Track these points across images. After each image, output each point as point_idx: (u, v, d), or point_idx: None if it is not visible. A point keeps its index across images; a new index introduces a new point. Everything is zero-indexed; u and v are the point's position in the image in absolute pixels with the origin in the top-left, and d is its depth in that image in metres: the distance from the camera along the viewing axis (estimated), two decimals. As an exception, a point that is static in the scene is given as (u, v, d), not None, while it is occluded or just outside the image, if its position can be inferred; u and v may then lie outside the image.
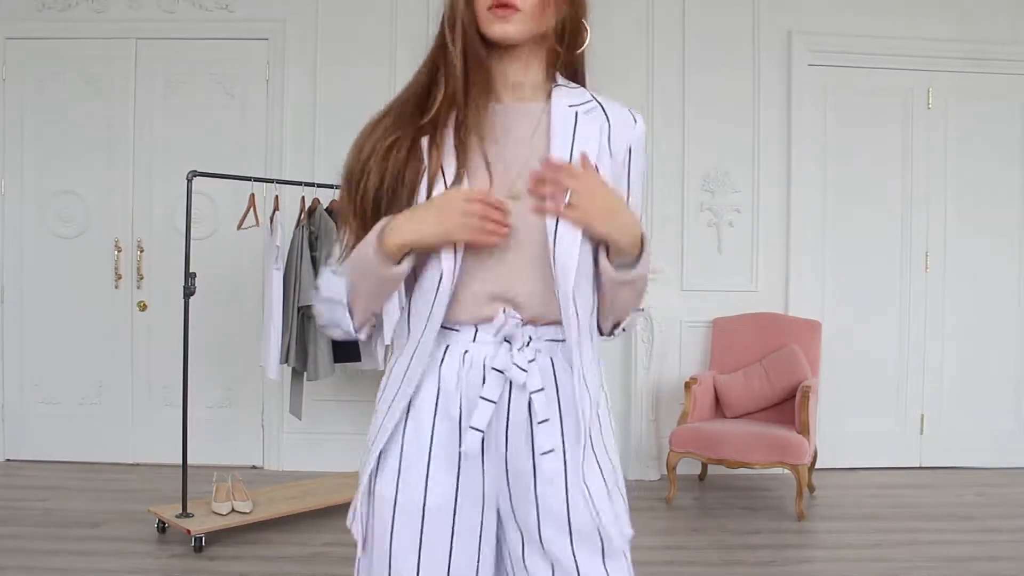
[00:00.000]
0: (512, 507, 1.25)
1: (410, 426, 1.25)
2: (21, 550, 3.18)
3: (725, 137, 4.58)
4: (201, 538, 3.23)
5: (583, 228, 1.17)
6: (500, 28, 1.20)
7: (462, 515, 1.23)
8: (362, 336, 1.31)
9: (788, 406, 4.14)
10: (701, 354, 4.62)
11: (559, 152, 1.21)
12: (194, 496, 3.45)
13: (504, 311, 1.21)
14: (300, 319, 3.73)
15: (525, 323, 1.22)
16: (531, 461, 1.22)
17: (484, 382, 1.21)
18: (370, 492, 1.27)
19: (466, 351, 1.23)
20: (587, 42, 1.29)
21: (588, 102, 1.28)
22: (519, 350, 1.21)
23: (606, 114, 1.27)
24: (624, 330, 1.34)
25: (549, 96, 1.27)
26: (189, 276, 3.38)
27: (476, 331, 1.23)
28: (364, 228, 1.23)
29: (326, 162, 4.50)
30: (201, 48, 4.56)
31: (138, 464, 4.54)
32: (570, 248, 1.18)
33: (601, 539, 1.23)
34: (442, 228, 1.16)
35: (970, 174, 4.70)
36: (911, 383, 4.71)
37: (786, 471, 3.94)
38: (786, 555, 3.28)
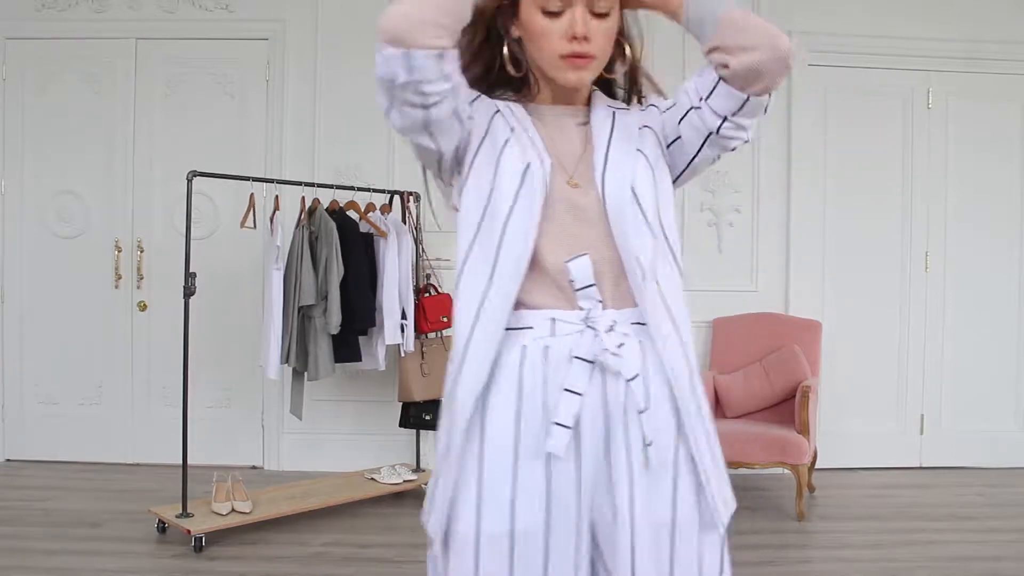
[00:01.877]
0: (612, 512, 1.14)
1: (487, 437, 1.13)
2: (21, 550, 3.18)
3: (725, 137, 4.58)
4: (201, 538, 3.23)
5: None
6: (576, 76, 1.20)
7: (555, 538, 1.11)
8: (438, 54, 1.09)
9: (788, 406, 4.14)
10: (701, 354, 4.62)
11: (599, 140, 1.22)
12: (194, 496, 3.45)
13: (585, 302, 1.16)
14: (300, 319, 3.73)
15: (605, 307, 1.17)
16: (627, 456, 1.14)
17: (568, 373, 1.12)
18: (447, 516, 1.15)
19: (547, 346, 1.15)
20: (639, 54, 1.31)
21: (624, 107, 1.32)
22: (606, 333, 1.14)
23: (639, 111, 1.32)
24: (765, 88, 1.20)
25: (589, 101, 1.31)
26: (189, 276, 3.38)
27: (554, 321, 1.15)
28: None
29: (326, 162, 4.50)
30: (201, 48, 4.55)
31: (138, 464, 4.54)
32: (620, 192, 1.18)
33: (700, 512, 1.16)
34: None
35: (970, 174, 4.70)
36: (911, 383, 4.71)
37: (786, 471, 3.94)
38: (786, 555, 3.28)
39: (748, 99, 1.19)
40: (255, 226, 3.64)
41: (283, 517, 3.53)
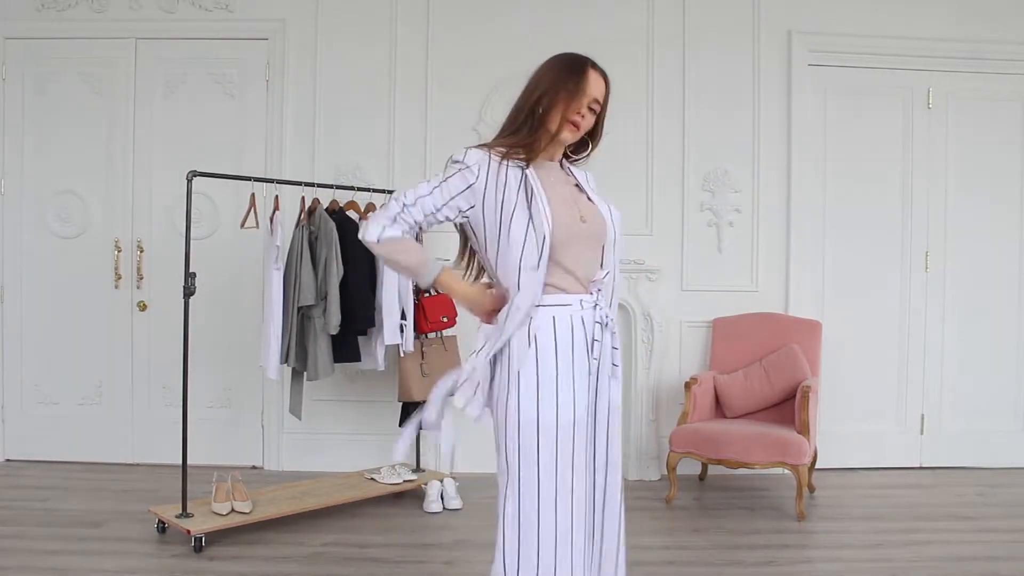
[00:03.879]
0: (596, 410, 1.93)
1: (559, 356, 1.88)
2: (21, 550, 3.18)
3: (725, 137, 4.59)
4: (201, 538, 3.23)
5: None
6: (569, 135, 1.92)
7: (581, 426, 1.86)
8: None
9: (788, 406, 4.14)
10: (701, 354, 4.62)
11: (593, 194, 2.01)
12: (194, 496, 3.45)
13: (592, 288, 1.92)
14: (300, 319, 3.73)
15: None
16: (608, 376, 1.95)
17: (595, 330, 1.91)
18: (517, 417, 1.83)
19: (572, 315, 1.89)
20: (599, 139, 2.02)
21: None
22: (602, 309, 1.93)
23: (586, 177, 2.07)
24: None
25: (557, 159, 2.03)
26: (189, 276, 3.38)
27: (582, 301, 1.90)
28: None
29: (326, 162, 4.50)
30: (201, 48, 4.56)
31: (138, 464, 4.54)
32: (619, 241, 1.99)
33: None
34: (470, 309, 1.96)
35: (970, 174, 4.70)
36: (911, 383, 4.72)
37: (786, 471, 3.94)
38: (786, 555, 3.28)
39: None
40: (257, 225, 3.64)
41: (283, 517, 3.53)
